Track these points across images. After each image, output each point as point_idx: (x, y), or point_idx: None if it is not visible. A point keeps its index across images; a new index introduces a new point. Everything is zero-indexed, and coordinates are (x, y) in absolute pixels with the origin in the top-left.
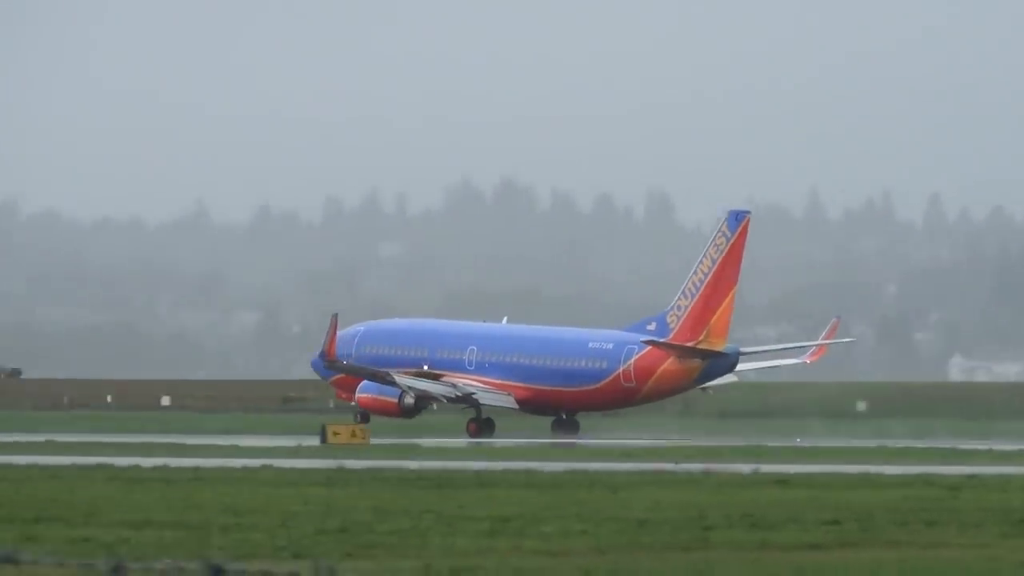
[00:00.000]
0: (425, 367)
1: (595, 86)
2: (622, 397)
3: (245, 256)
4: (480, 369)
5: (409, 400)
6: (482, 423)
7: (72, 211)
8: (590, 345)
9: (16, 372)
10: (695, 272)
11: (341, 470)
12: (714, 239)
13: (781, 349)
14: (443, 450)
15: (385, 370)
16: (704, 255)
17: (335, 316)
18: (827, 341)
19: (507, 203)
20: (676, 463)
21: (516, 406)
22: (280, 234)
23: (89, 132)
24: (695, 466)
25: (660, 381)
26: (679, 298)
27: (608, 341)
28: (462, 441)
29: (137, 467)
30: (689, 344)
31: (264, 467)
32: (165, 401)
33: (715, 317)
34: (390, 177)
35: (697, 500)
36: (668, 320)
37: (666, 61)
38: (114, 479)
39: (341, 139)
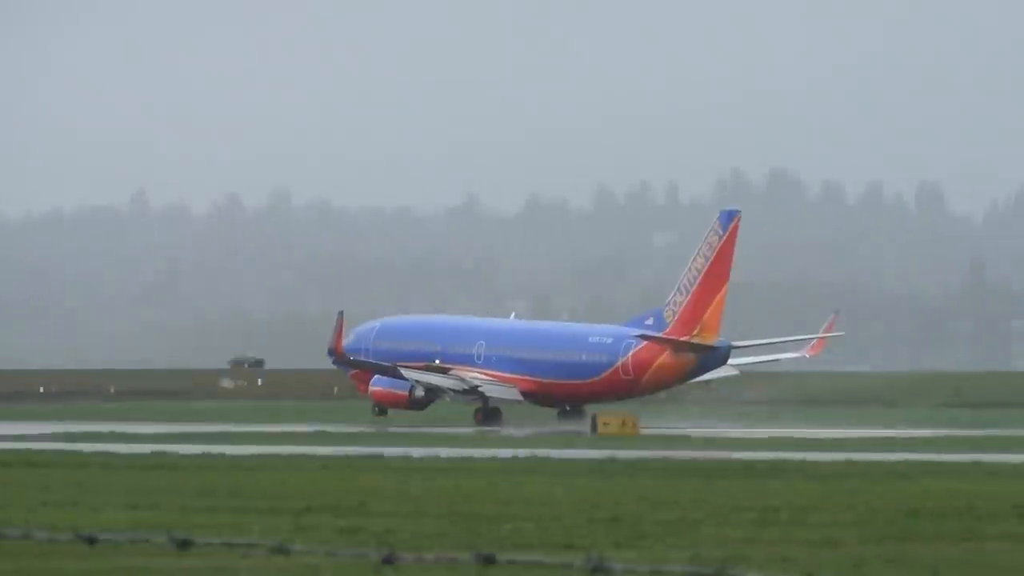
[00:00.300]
0: (437, 361)
1: (867, 77)
2: (622, 389)
3: (516, 246)
4: (488, 363)
5: (419, 393)
6: (489, 412)
7: (343, 201)
8: (591, 339)
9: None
10: (689, 269)
11: (611, 460)
12: (707, 237)
13: (772, 343)
14: (713, 440)
15: (393, 364)
16: (698, 253)
17: (341, 313)
18: (824, 335)
19: (777, 193)
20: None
21: (521, 398)
22: (550, 224)
23: (360, 123)
24: (963, 456)
25: (657, 374)
26: (675, 294)
27: (608, 336)
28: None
29: (408, 457)
30: (684, 338)
31: (535, 457)
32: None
33: (708, 312)
34: (661, 167)
35: (967, 490)
36: (665, 315)
37: (937, 53)
38: (385, 469)
39: (611, 130)
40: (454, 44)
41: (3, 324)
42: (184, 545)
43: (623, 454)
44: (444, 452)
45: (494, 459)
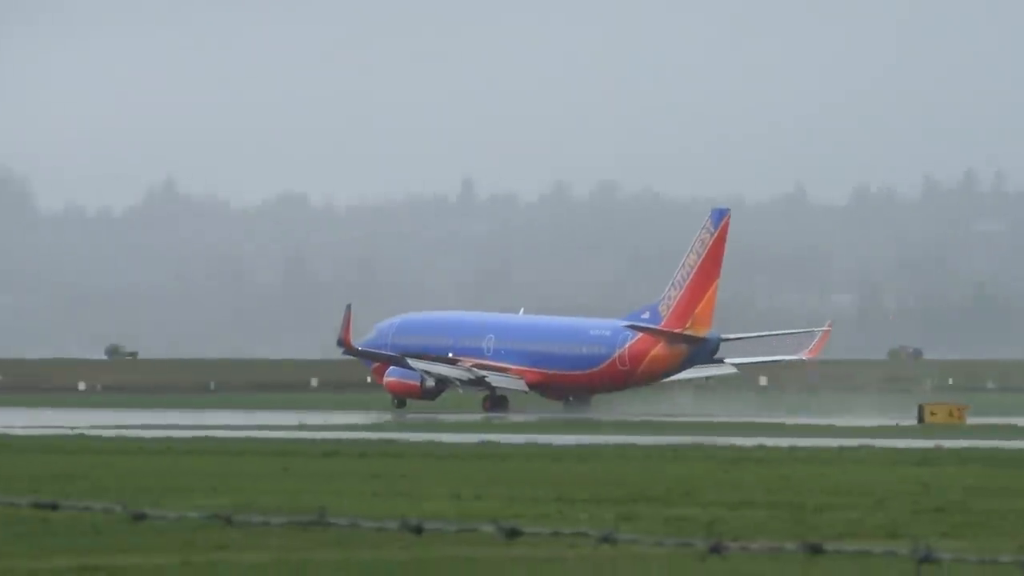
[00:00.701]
0: (450, 354)
1: None
2: (619, 379)
3: (843, 235)
4: (496, 355)
5: (430, 383)
6: (496, 400)
7: (670, 191)
8: (591, 332)
9: None
10: (683, 266)
11: (938, 449)
12: (700, 235)
13: (764, 336)
14: None
15: (400, 355)
16: (691, 250)
17: (349, 306)
18: (819, 329)
19: None
20: None
21: (526, 389)
22: (878, 213)
23: (687, 113)
24: None
25: (651, 364)
26: (669, 289)
27: (606, 329)
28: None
29: (733, 446)
30: (677, 331)
31: (861, 447)
32: (763, 381)
33: (700, 307)
34: (987, 155)
35: None
36: (660, 309)
37: None
38: (711, 458)
39: (939, 117)
40: (778, 31)
41: (332, 313)
42: (512, 534)
43: (950, 443)
44: (770, 441)
45: (820, 448)
